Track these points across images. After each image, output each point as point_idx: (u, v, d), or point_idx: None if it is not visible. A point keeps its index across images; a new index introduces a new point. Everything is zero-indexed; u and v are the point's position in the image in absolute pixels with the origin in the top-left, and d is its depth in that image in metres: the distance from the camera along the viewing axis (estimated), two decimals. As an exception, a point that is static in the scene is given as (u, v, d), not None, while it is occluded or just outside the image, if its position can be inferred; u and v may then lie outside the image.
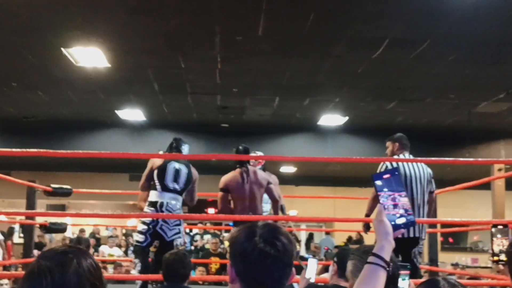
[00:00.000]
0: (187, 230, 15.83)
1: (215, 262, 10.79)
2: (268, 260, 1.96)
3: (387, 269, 2.17)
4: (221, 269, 10.64)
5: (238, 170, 7.36)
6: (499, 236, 5.61)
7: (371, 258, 2.18)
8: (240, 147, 7.54)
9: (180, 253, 5.44)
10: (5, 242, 14.23)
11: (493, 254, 5.76)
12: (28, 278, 1.79)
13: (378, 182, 2.36)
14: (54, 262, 1.79)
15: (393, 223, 2.27)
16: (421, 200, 6.99)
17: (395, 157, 7.10)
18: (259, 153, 8.35)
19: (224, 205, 7.29)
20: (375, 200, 6.94)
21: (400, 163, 6.96)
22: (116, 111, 14.02)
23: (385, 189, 2.34)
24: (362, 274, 2.19)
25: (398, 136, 7.39)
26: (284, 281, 2.00)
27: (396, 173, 2.40)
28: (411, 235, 6.75)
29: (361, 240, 16.89)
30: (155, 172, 6.91)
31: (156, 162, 6.93)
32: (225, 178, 7.34)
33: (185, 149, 7.26)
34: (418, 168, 7.02)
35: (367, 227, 7.22)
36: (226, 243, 11.32)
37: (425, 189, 7.04)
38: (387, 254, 2.18)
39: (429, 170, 7.18)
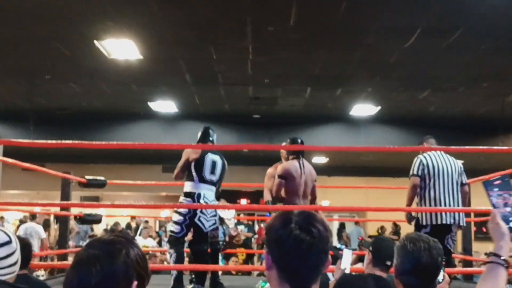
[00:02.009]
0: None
1: (241, 252, 10.82)
2: (304, 247, 1.96)
3: (506, 266, 2.38)
4: (248, 259, 10.67)
5: (295, 160, 7.36)
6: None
7: (491, 258, 2.40)
8: (299, 140, 7.55)
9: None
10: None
11: None
12: (77, 266, 1.81)
13: (491, 187, 2.52)
14: (103, 251, 1.81)
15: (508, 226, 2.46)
16: (454, 190, 7.07)
17: (430, 153, 7.15)
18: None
19: (280, 192, 7.30)
20: (414, 191, 7.06)
21: (431, 157, 7.06)
22: (148, 103, 14.09)
23: (496, 190, 2.50)
24: (484, 273, 2.43)
25: (429, 137, 7.47)
26: (320, 268, 2.00)
27: (506, 179, 2.54)
28: (444, 221, 6.86)
29: (398, 231, 16.83)
30: (193, 163, 6.93)
31: (192, 153, 6.94)
32: (284, 166, 7.35)
33: (215, 138, 7.31)
34: (449, 161, 7.11)
35: (410, 217, 7.25)
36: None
37: (457, 181, 7.13)
38: (505, 252, 2.39)
39: (460, 163, 7.24)
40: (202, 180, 6.92)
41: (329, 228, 2.07)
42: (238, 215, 13.73)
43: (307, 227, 1.99)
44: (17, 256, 2.84)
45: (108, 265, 1.78)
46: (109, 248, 1.82)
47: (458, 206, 7.07)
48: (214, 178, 7.03)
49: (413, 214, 7.13)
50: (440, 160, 7.10)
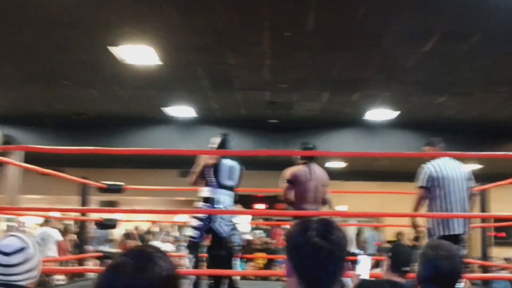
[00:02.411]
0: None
1: (261, 257, 10.83)
2: (322, 254, 1.99)
3: None
4: (269, 264, 10.67)
5: (305, 165, 7.42)
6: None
7: None
8: (310, 145, 7.59)
9: None
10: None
11: None
12: (110, 270, 1.83)
13: None
14: (137, 262, 1.83)
15: None
16: (465, 198, 7.08)
17: (435, 160, 7.14)
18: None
19: (288, 196, 7.35)
20: (419, 203, 7.06)
21: (440, 166, 7.06)
22: (165, 108, 14.14)
23: None
24: None
25: (437, 140, 7.43)
26: (339, 275, 2.02)
27: None
28: (453, 232, 6.87)
29: (418, 237, 16.73)
30: (211, 169, 6.97)
31: (209, 159, 6.97)
32: (291, 170, 7.40)
33: (233, 144, 7.35)
34: (457, 167, 7.11)
35: (414, 226, 7.27)
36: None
37: (466, 187, 7.15)
38: None
39: (466, 169, 7.22)
40: (220, 185, 6.96)
41: (347, 235, 2.09)
42: (253, 219, 13.75)
43: (325, 234, 2.01)
44: (35, 262, 2.86)
45: (136, 279, 1.79)
46: (143, 263, 1.83)
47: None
48: (232, 183, 7.08)
49: (422, 223, 7.14)
50: (448, 168, 7.07)
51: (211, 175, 6.98)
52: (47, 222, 13.28)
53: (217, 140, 7.28)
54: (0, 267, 2.80)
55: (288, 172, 7.45)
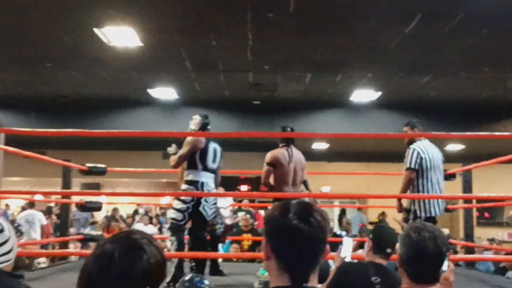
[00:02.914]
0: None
1: (247, 239, 10.83)
2: (303, 237, 1.98)
3: None
4: (254, 246, 10.67)
5: (284, 148, 7.45)
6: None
7: None
8: (288, 128, 7.60)
9: None
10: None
11: None
12: (99, 258, 1.82)
13: None
14: (125, 248, 1.83)
15: None
16: (442, 180, 7.24)
17: (417, 142, 7.21)
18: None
19: (268, 179, 7.39)
20: (409, 185, 7.11)
21: (426, 149, 7.13)
22: (149, 90, 14.09)
23: None
24: None
25: (417, 122, 7.48)
26: (319, 257, 2.02)
27: None
28: (434, 214, 7.00)
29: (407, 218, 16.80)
30: (198, 153, 6.95)
31: (198, 143, 6.94)
32: (273, 154, 7.43)
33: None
34: (437, 151, 7.23)
35: (401, 210, 7.31)
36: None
37: (442, 169, 7.35)
38: None
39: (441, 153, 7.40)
40: (205, 168, 6.96)
41: (327, 218, 2.08)
42: (240, 201, 13.74)
43: (306, 216, 2.00)
44: (11, 244, 2.83)
45: (127, 269, 1.79)
46: (133, 252, 1.83)
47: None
48: (215, 166, 7.09)
49: (408, 206, 7.19)
50: (431, 150, 7.17)
51: (197, 158, 6.96)
52: (32, 204, 13.24)
53: (197, 122, 7.24)
54: None
55: (269, 155, 7.47)
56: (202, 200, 6.85)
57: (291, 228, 1.99)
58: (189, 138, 7.03)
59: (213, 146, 7.07)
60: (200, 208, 6.83)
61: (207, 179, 6.98)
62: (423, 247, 2.82)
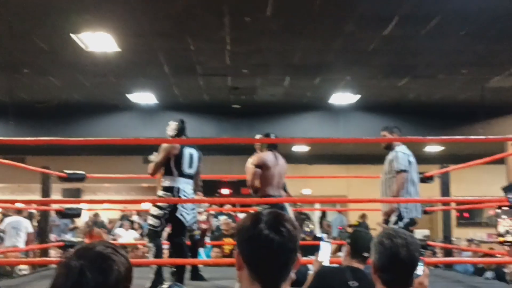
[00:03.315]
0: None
1: (228, 244, 10.80)
2: (273, 246, 1.98)
3: None
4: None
5: (270, 152, 7.54)
6: (504, 217, 5.60)
7: None
8: (272, 135, 7.69)
9: None
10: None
11: (499, 235, 5.77)
12: (69, 275, 1.81)
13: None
14: (96, 266, 1.82)
15: None
16: (418, 183, 7.39)
17: (398, 146, 7.37)
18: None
19: (255, 181, 7.43)
20: (403, 187, 7.21)
21: (408, 151, 7.28)
22: (127, 95, 14.06)
23: None
24: None
25: (396, 127, 7.60)
26: (290, 267, 2.02)
27: None
28: (415, 215, 7.14)
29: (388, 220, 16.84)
30: (172, 159, 6.94)
31: (173, 149, 6.94)
32: (261, 156, 7.51)
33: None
34: (414, 155, 7.39)
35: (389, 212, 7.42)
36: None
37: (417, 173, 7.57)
38: None
39: None
40: (181, 174, 6.96)
41: (298, 227, 2.09)
42: (221, 206, 13.70)
43: (276, 226, 2.01)
44: None
45: (101, 281, 1.79)
46: (102, 264, 1.83)
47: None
48: (192, 171, 7.08)
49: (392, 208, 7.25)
50: (411, 154, 7.31)
51: (172, 164, 6.96)
52: (19, 212, 13.11)
53: (173, 128, 7.23)
54: None
55: (257, 157, 7.55)
56: (179, 206, 6.86)
57: (262, 237, 1.99)
58: (164, 145, 7.03)
59: (188, 151, 7.05)
60: (177, 214, 6.83)
61: (184, 184, 6.98)
62: (396, 254, 2.83)
